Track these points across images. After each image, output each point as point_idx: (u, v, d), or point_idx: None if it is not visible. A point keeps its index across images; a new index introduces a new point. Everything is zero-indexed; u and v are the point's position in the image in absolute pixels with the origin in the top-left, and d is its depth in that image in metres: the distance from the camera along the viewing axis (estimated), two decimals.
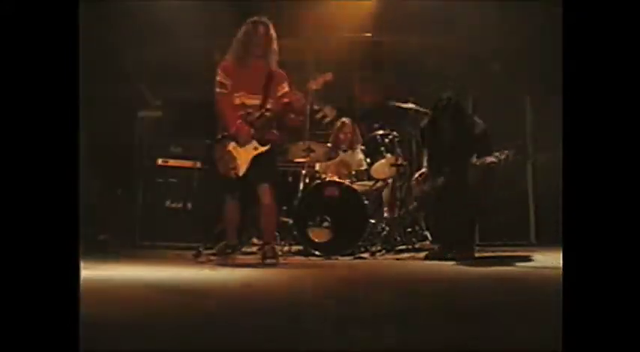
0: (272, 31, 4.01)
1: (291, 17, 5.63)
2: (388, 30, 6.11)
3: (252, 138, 3.94)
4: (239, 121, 3.94)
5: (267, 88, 4.00)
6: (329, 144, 5.33)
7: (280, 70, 4.09)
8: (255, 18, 4.04)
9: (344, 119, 5.51)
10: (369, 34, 6.24)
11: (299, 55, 6.05)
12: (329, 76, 4.25)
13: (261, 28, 3.99)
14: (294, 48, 5.99)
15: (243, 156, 3.95)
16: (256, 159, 3.95)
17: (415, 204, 4.98)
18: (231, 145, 3.96)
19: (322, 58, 6.18)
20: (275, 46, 4.03)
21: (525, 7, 5.20)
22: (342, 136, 5.43)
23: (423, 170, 4.51)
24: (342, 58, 6.40)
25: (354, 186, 4.85)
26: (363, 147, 5.30)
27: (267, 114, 3.97)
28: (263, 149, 3.95)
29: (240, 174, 3.94)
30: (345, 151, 5.39)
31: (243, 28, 4.04)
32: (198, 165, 5.57)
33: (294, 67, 5.80)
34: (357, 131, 5.51)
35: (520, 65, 5.48)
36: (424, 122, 4.59)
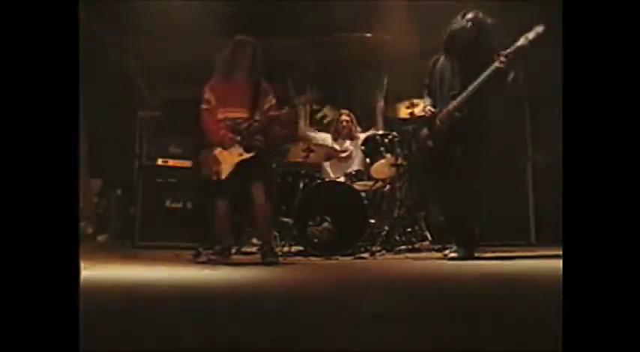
0: (258, 50, 4.07)
1: (292, 17, 5.64)
2: (388, 30, 6.11)
3: (238, 144, 3.99)
4: (223, 130, 4.01)
5: (253, 101, 4.07)
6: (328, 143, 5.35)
7: (266, 83, 4.14)
8: (242, 37, 4.11)
9: (343, 110, 5.60)
10: (369, 34, 6.24)
11: (299, 55, 6.06)
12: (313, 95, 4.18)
13: (247, 48, 4.05)
14: (294, 48, 6.00)
15: (228, 160, 4.00)
16: (243, 162, 4.00)
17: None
18: (217, 150, 4.03)
19: (322, 58, 6.19)
20: (261, 62, 4.08)
21: (525, 6, 5.20)
22: (341, 125, 5.50)
23: (428, 107, 4.18)
24: (342, 57, 6.41)
25: (354, 186, 4.86)
26: (363, 147, 5.31)
27: (254, 125, 4.04)
28: (247, 156, 4.01)
29: (223, 177, 3.99)
30: (344, 140, 5.45)
31: (230, 48, 4.09)
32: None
33: (293, 67, 5.81)
34: (356, 122, 5.59)
35: (520, 65, 5.47)
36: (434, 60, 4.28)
